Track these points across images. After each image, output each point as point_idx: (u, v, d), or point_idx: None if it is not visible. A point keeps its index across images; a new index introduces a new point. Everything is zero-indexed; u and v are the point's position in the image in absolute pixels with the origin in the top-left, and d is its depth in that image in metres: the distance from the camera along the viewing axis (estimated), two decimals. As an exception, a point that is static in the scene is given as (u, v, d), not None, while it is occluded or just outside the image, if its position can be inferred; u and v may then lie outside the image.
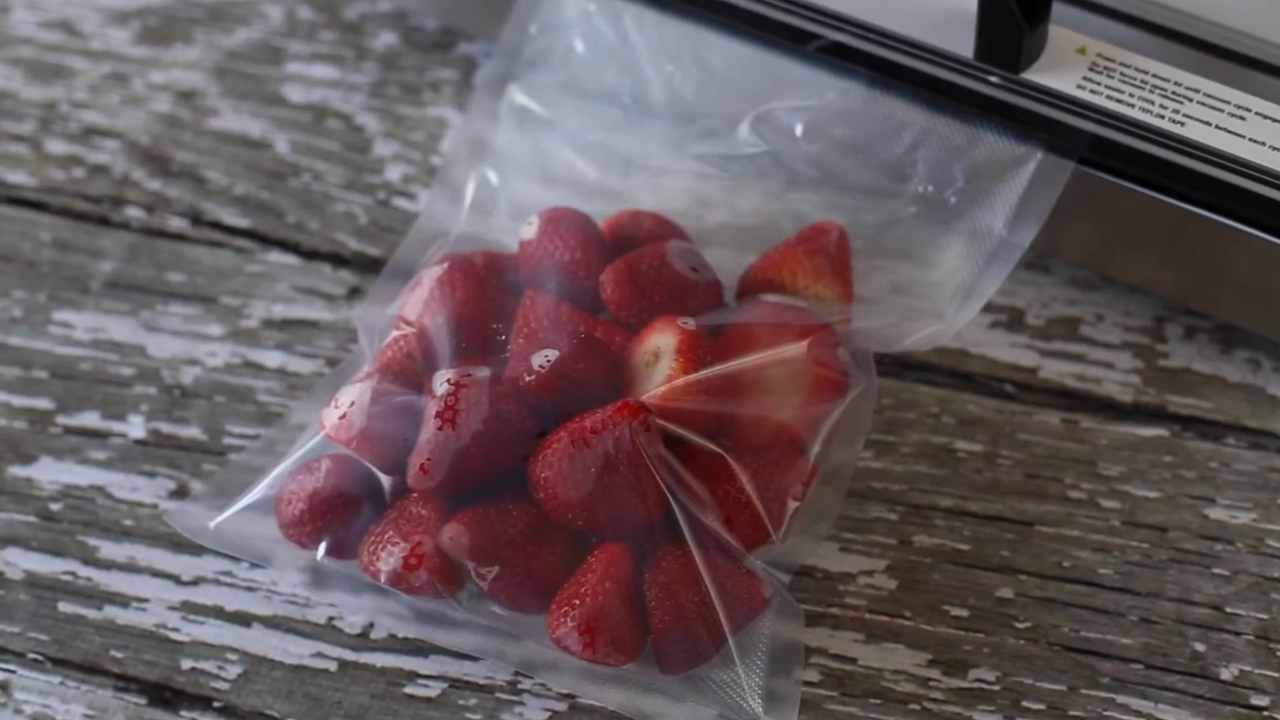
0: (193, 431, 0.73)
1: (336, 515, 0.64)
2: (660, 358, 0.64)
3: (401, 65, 0.85)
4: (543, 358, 0.63)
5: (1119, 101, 0.69)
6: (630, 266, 0.66)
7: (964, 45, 0.71)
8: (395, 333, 0.67)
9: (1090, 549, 0.69)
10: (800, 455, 0.65)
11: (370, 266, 0.78)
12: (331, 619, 0.68)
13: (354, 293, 0.77)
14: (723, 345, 0.65)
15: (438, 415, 0.62)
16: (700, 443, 0.63)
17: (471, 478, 0.63)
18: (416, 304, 0.67)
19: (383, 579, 0.63)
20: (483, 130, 0.75)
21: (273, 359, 0.75)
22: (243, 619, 0.68)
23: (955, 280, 0.68)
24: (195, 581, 0.69)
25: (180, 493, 0.71)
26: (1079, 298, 0.76)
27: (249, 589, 0.68)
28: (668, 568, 0.62)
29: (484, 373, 0.63)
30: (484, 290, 0.67)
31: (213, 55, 0.86)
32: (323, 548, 0.65)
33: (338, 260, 0.78)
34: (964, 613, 0.68)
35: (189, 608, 0.68)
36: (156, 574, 0.69)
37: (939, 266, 0.69)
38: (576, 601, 0.62)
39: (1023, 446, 0.72)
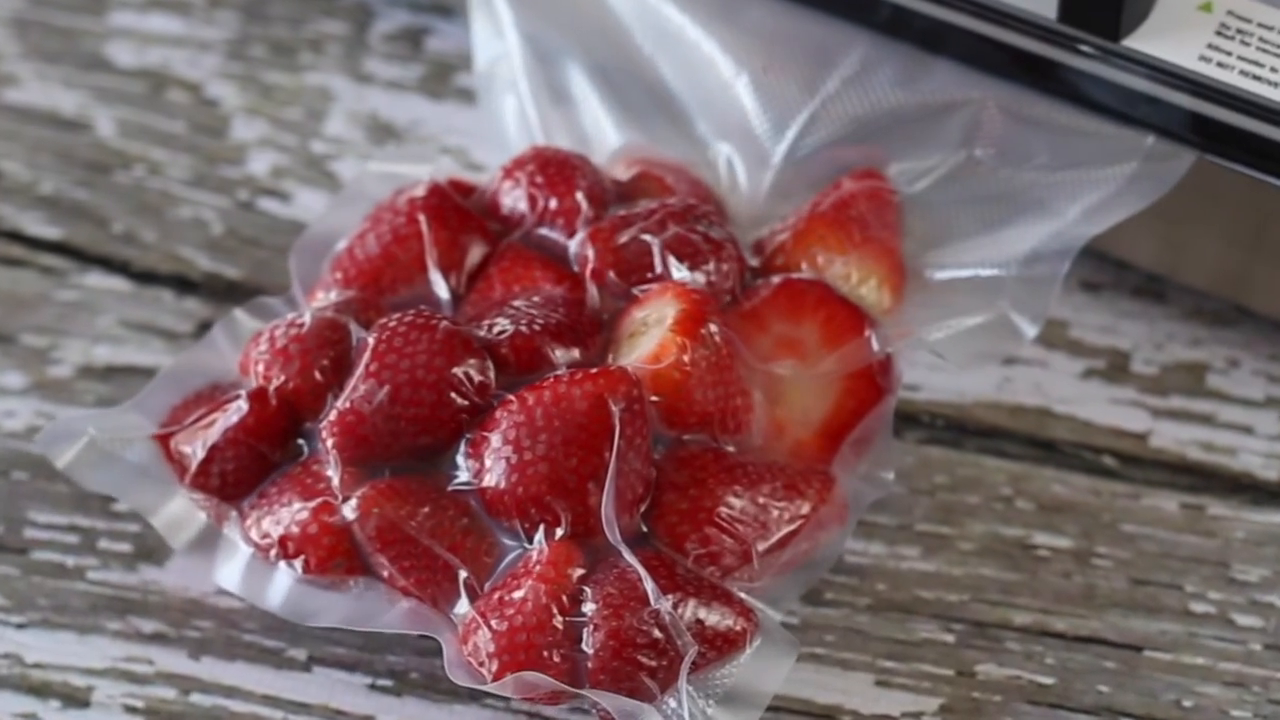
0: (-18, 521, 0.71)
1: (241, 465, 0.65)
2: (651, 327, 0.64)
3: (270, 15, 0.83)
4: (522, 322, 0.64)
5: (1256, 78, 0.67)
6: (618, 228, 0.67)
7: (1044, 2, 0.69)
8: (338, 270, 0.69)
9: (1220, 683, 0.66)
10: (818, 473, 0.65)
11: (226, 293, 0.76)
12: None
13: (203, 328, 0.74)
14: (736, 324, 0.66)
15: (374, 357, 0.64)
16: (691, 437, 0.64)
17: (401, 444, 0.64)
18: (374, 239, 0.68)
19: (271, 552, 0.64)
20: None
21: (93, 420, 0.74)
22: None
23: (1030, 286, 0.67)
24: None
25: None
26: (1205, 336, 0.74)
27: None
28: (621, 579, 0.61)
29: (442, 321, 0.64)
30: (463, 227, 0.68)
31: (10, 2, 0.84)
32: (220, 507, 0.66)
33: (182, 284, 0.76)
34: (1047, 771, 0.66)
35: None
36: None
37: (1009, 261, 0.68)
38: (498, 608, 0.62)
39: (1127, 542, 0.69)
